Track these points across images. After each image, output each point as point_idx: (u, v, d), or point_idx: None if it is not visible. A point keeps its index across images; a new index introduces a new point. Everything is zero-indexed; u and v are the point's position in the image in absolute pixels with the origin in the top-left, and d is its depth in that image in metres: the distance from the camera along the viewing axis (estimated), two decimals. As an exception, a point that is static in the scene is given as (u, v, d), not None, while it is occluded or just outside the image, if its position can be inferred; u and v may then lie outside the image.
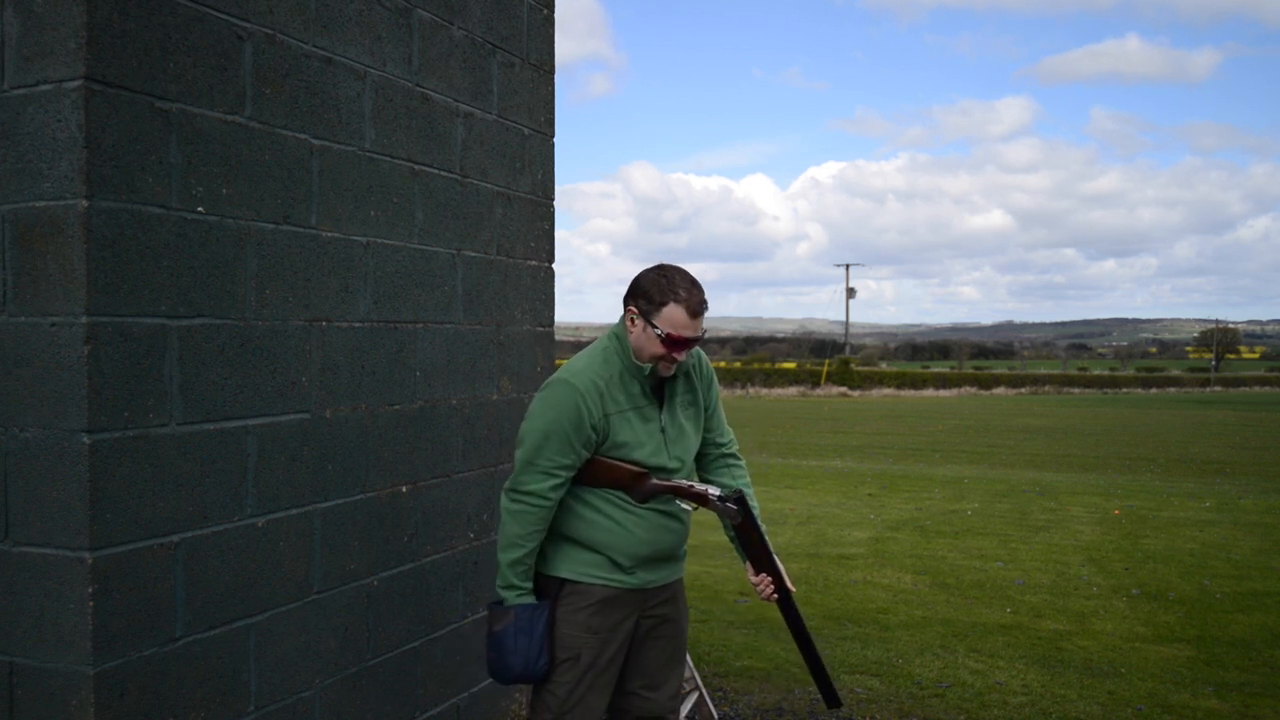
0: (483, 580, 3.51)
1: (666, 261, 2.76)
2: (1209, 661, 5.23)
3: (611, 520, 2.56)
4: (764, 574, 2.66)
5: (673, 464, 2.61)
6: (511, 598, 2.55)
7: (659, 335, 2.53)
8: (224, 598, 2.46)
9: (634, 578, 2.59)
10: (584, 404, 2.50)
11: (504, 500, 2.55)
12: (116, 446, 2.19)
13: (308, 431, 2.72)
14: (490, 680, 3.37)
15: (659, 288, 2.55)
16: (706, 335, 2.63)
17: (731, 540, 2.82)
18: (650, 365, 2.58)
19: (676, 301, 2.53)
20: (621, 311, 2.64)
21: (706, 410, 2.79)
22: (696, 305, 2.55)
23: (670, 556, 2.68)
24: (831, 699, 2.72)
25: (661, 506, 2.61)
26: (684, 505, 2.65)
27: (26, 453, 2.19)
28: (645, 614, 2.67)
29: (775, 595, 2.66)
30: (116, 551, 2.19)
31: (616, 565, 2.58)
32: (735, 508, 2.60)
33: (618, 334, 2.63)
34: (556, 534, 2.61)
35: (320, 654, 2.77)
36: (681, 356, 2.58)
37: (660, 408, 2.64)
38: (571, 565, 2.59)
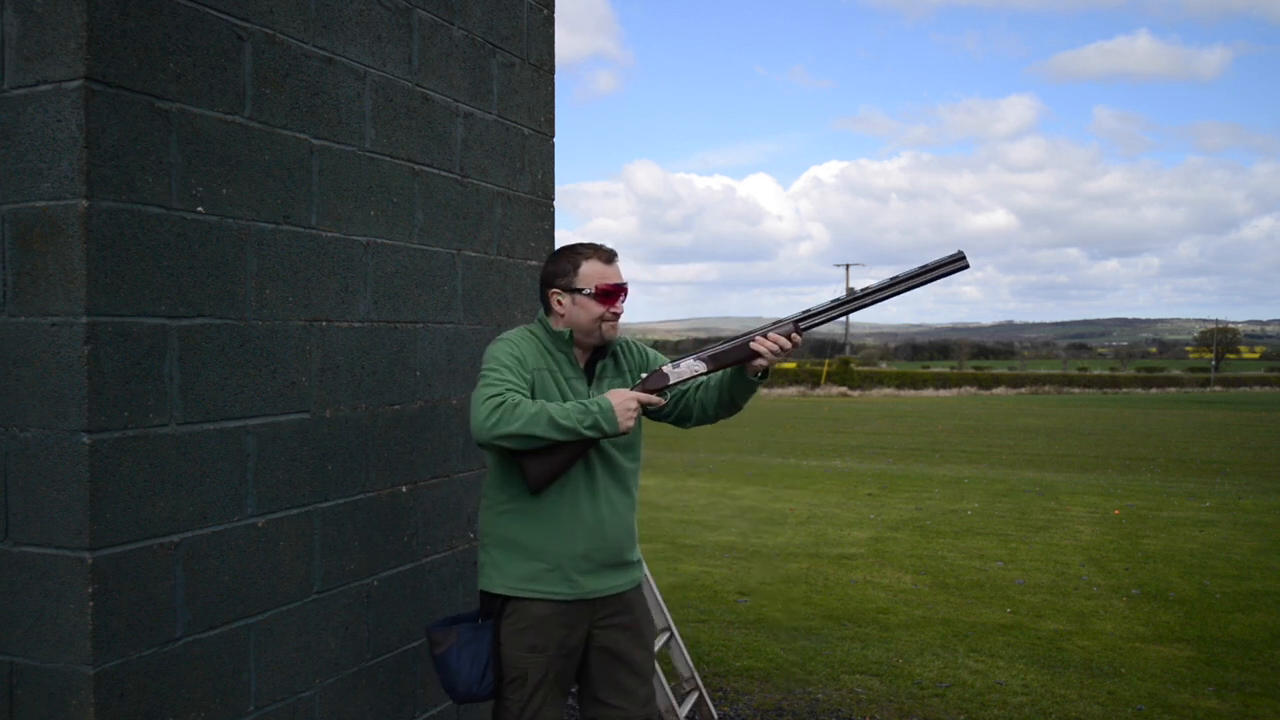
0: (483, 580, 3.51)
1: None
2: (1209, 661, 5.24)
3: (546, 516, 2.54)
4: (759, 343, 2.55)
5: (605, 445, 2.60)
6: (602, 414, 2.41)
7: (589, 294, 2.58)
8: (224, 598, 2.46)
9: (576, 588, 2.55)
10: (516, 348, 2.56)
11: (485, 419, 2.38)
12: (116, 446, 2.19)
13: (308, 431, 2.72)
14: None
15: (566, 258, 2.63)
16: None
17: (717, 402, 2.70)
18: (568, 331, 2.60)
19: (587, 258, 2.61)
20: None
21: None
22: (608, 254, 2.63)
23: (616, 560, 2.62)
24: (958, 259, 2.45)
25: (605, 489, 2.59)
26: (658, 402, 2.57)
27: (26, 453, 2.19)
28: (598, 624, 2.63)
29: (794, 336, 2.55)
30: (116, 551, 2.19)
31: (556, 572, 2.54)
32: (701, 364, 2.56)
33: (536, 321, 2.70)
34: (495, 539, 2.61)
35: (320, 654, 2.77)
36: (619, 307, 2.61)
37: (590, 385, 2.65)
38: (508, 580, 2.57)
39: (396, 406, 3.06)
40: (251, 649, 2.54)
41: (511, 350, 2.57)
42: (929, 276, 2.48)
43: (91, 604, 2.13)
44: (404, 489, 3.10)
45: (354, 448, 2.88)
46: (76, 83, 2.11)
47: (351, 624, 2.89)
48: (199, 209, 2.38)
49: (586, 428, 2.41)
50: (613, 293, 2.59)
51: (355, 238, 2.87)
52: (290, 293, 2.65)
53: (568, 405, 2.43)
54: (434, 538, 3.25)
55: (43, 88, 2.14)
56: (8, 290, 2.20)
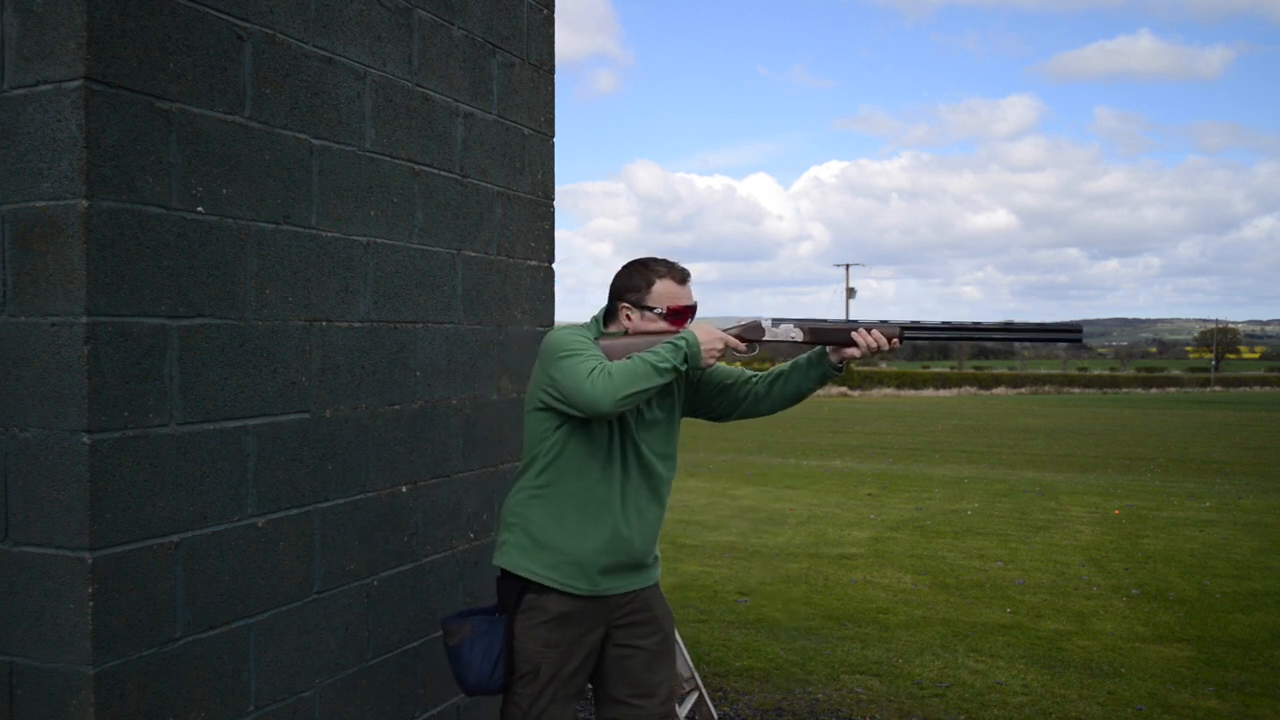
0: (483, 580, 3.51)
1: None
2: (1209, 661, 5.24)
3: (576, 513, 2.52)
4: (861, 334, 2.53)
5: (644, 449, 2.59)
6: (689, 348, 2.42)
7: (660, 314, 2.57)
8: (224, 598, 2.46)
9: (595, 585, 2.54)
10: (582, 334, 2.54)
11: (604, 391, 2.33)
12: (116, 446, 2.19)
13: (308, 431, 2.72)
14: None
15: (640, 273, 2.61)
16: None
17: (779, 395, 2.69)
18: None
19: (661, 276, 2.59)
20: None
21: (694, 385, 2.75)
22: (681, 273, 2.61)
23: (638, 563, 2.62)
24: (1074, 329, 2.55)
25: (636, 497, 2.57)
26: (741, 349, 2.57)
27: (26, 453, 2.19)
28: (616, 624, 2.62)
29: (895, 340, 2.55)
30: (116, 551, 2.19)
31: (576, 568, 2.53)
32: (798, 332, 2.55)
33: (593, 321, 2.67)
34: (522, 520, 2.58)
35: (320, 654, 2.78)
36: (687, 328, 2.59)
37: None
38: (530, 564, 2.55)
39: (396, 406, 3.06)
40: (251, 649, 2.54)
41: (581, 334, 2.56)
42: (1042, 336, 2.60)
43: (91, 604, 2.13)
44: (404, 489, 3.10)
45: (354, 448, 2.88)
46: (76, 83, 2.11)
47: (351, 624, 2.89)
48: (199, 209, 2.38)
49: (680, 363, 2.42)
50: (683, 314, 2.58)
51: (355, 238, 2.87)
52: (290, 293, 2.65)
53: (657, 348, 2.43)
54: (434, 538, 3.25)
55: (43, 88, 2.14)
56: (8, 290, 2.20)
